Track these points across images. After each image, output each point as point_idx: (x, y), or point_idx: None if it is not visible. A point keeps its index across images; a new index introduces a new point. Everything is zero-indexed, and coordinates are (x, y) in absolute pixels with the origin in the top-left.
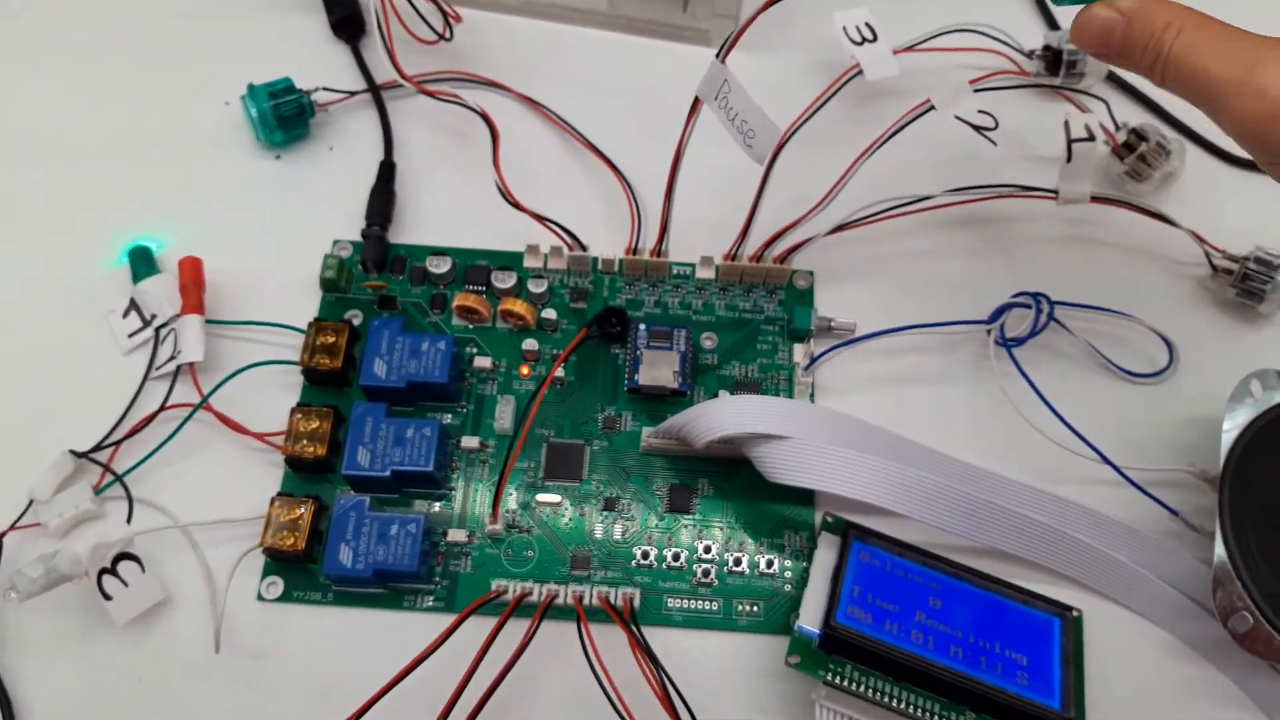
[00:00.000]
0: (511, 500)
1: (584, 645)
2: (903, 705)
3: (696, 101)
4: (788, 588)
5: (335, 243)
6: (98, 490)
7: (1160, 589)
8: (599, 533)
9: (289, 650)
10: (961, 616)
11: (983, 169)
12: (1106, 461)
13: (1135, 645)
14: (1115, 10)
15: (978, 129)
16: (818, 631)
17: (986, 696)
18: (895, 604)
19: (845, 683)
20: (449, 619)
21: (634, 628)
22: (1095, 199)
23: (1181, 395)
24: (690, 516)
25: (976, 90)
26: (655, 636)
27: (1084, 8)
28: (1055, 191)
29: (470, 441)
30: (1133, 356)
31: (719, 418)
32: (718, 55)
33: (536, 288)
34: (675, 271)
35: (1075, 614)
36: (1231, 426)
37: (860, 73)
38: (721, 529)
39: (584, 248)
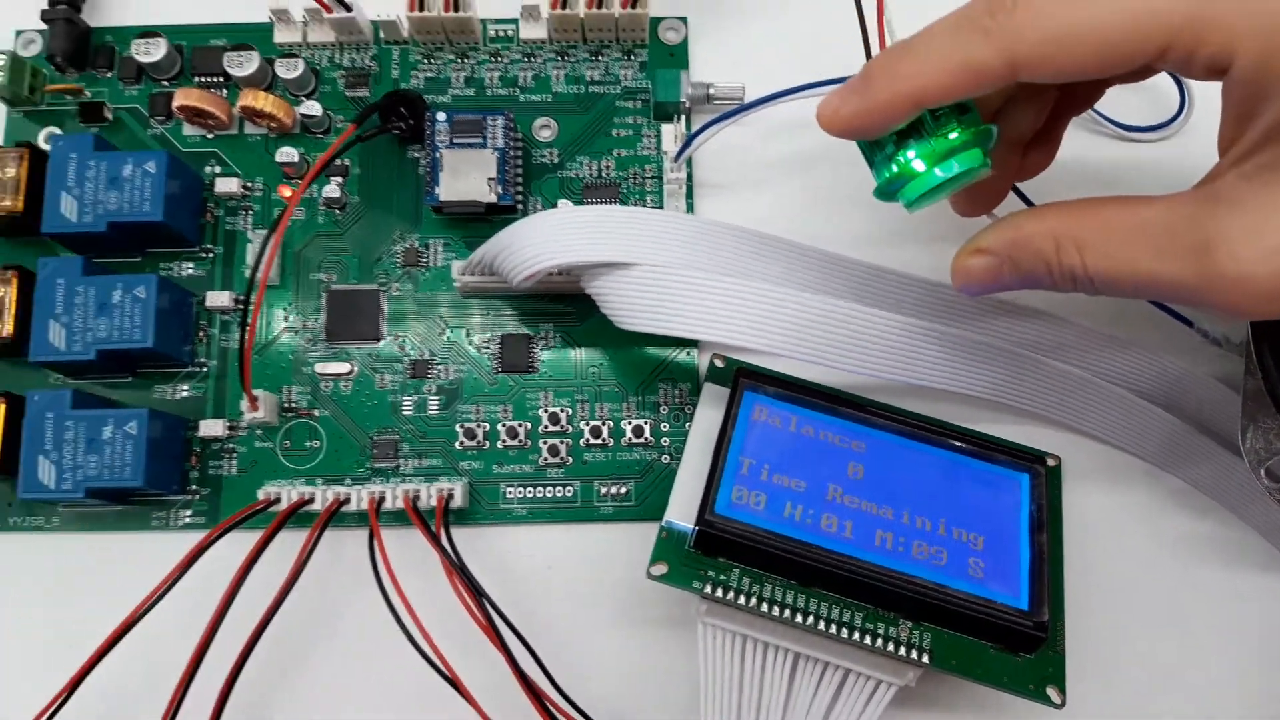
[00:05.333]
0: (285, 375)
1: (375, 567)
2: (811, 621)
3: None
4: (665, 459)
5: (18, 34)
6: None
7: (1165, 421)
8: (407, 408)
9: (11, 593)
10: (893, 487)
11: None
12: None
13: (1132, 497)
14: (986, 253)
15: None
16: (691, 528)
17: (925, 600)
18: (801, 478)
19: (731, 595)
20: None
21: (444, 539)
22: None
23: (1196, 153)
24: (531, 376)
25: None
26: (492, 539)
27: (954, 260)
28: None
29: (218, 298)
30: (1128, 104)
31: (535, 243)
32: None
33: (288, 72)
34: (491, 33)
35: (1051, 464)
36: None
37: None
38: (574, 390)
39: (348, 7)
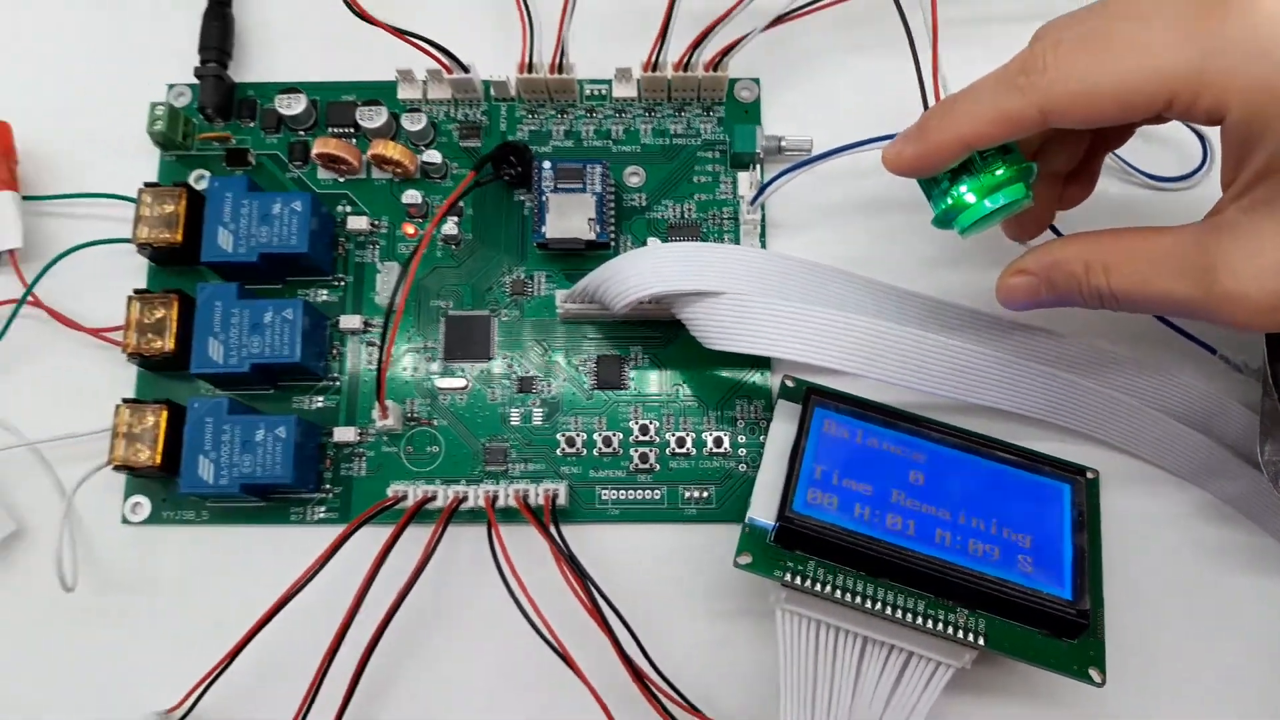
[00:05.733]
0: (408, 388)
1: (495, 555)
2: (879, 606)
3: None
4: (742, 468)
5: (170, 87)
6: None
7: (1194, 440)
8: (515, 419)
9: (166, 579)
10: (950, 492)
11: None
12: None
13: (1164, 507)
14: (1026, 273)
15: None
16: (772, 524)
17: (980, 590)
18: (867, 483)
19: (808, 583)
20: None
21: (554, 530)
22: None
23: (1214, 199)
24: (623, 392)
25: None
26: (589, 535)
27: (998, 280)
28: None
29: (350, 321)
30: (1155, 156)
31: (636, 275)
32: None
33: (413, 125)
34: (587, 91)
35: (1090, 476)
36: None
37: None
38: (661, 405)
39: (465, 69)
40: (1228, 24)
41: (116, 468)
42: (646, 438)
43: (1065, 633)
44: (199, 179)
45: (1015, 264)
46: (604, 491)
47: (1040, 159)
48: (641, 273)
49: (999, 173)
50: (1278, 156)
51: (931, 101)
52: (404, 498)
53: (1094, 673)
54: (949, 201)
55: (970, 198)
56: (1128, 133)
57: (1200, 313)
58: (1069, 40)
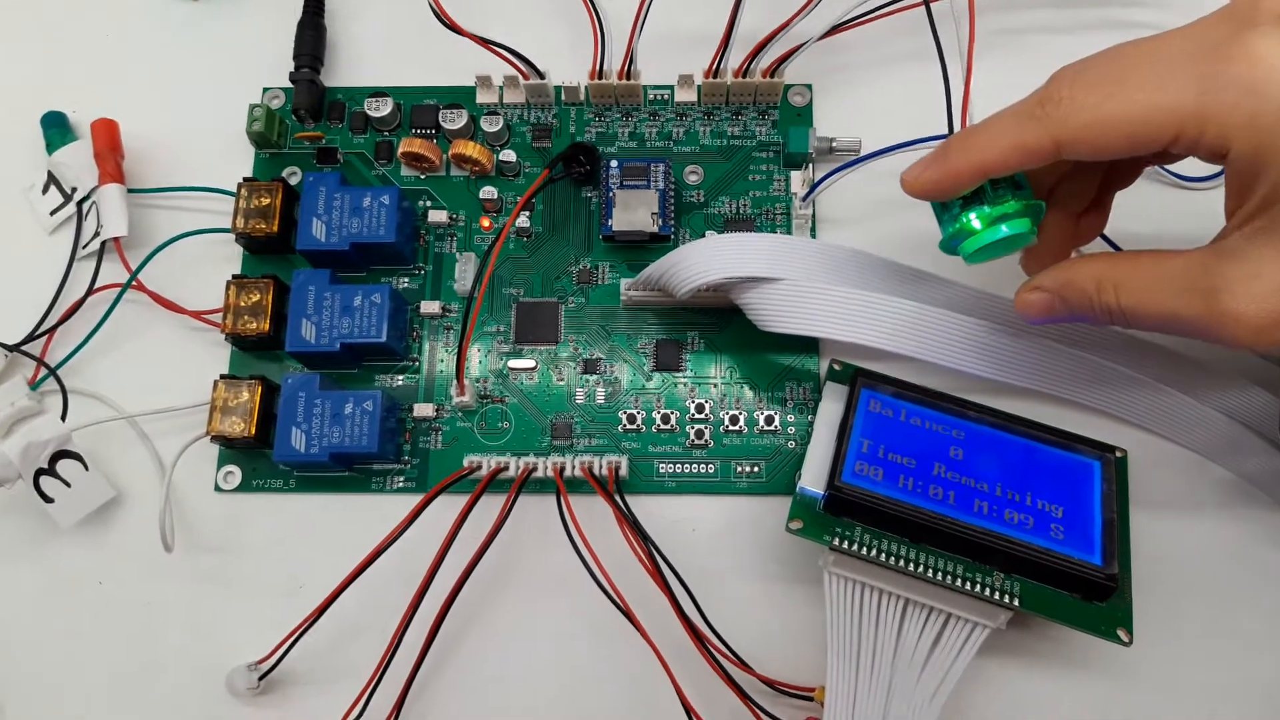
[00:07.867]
0: (482, 368)
1: (564, 520)
2: (920, 569)
3: None
4: (791, 445)
5: (265, 91)
6: (33, 385)
7: (1218, 421)
8: (580, 398)
9: (255, 542)
10: (987, 466)
11: None
12: None
13: (1189, 485)
14: (1041, 290)
15: None
16: (822, 493)
17: (1016, 554)
18: (910, 457)
19: (855, 547)
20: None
21: (618, 498)
22: None
23: None
24: (680, 374)
25: None
26: (648, 505)
27: (1015, 295)
28: None
29: (430, 306)
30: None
31: (700, 263)
32: None
33: (491, 126)
34: (651, 96)
35: (1119, 454)
36: None
37: None
38: (715, 385)
39: (541, 75)
40: (1231, 66)
41: (213, 438)
42: (702, 416)
43: (1095, 595)
44: (291, 175)
45: (1031, 281)
46: (662, 465)
47: (1053, 199)
48: (706, 260)
49: (1008, 206)
50: (1277, 188)
51: (956, 109)
52: (479, 468)
53: (1121, 633)
54: (956, 226)
55: (977, 224)
56: (1136, 172)
57: (1202, 330)
58: (1084, 78)
